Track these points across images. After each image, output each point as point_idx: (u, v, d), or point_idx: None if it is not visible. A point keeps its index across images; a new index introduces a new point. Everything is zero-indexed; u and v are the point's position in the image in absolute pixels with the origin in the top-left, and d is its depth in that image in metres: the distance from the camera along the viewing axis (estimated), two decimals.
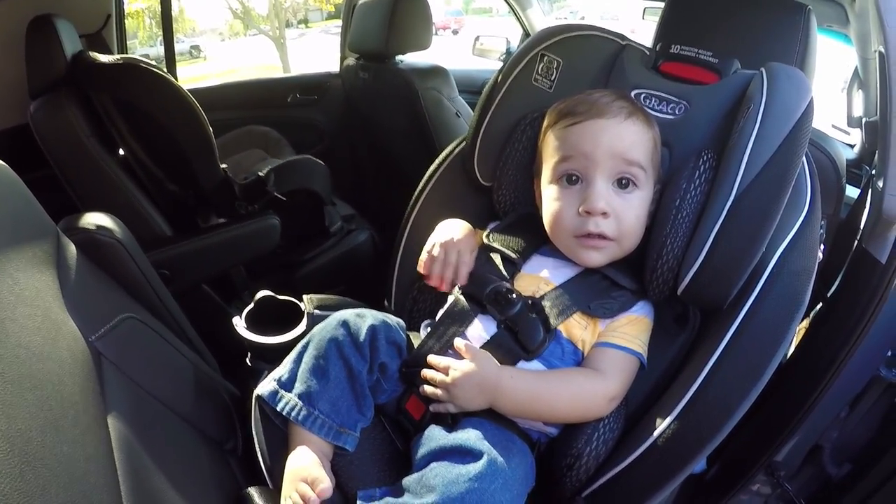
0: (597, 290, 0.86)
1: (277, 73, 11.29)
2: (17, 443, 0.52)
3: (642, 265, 0.87)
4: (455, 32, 18.07)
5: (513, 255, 0.91)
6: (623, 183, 0.84)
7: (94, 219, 0.90)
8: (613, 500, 0.81)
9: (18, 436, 0.53)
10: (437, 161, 1.14)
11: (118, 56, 1.52)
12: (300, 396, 0.79)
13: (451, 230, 0.97)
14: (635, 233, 0.86)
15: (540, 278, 0.89)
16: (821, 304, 1.17)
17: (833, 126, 1.79)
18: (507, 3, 2.59)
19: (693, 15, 1.17)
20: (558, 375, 0.82)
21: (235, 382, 1.06)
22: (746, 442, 1.13)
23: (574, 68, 1.00)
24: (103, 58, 1.44)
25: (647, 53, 1.01)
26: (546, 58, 1.00)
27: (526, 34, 2.68)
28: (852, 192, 1.31)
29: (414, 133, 1.80)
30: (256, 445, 0.83)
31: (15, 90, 1.50)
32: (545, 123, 0.92)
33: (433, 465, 0.72)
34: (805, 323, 1.20)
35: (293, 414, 0.78)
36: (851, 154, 1.56)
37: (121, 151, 1.52)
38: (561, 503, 0.83)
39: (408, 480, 0.73)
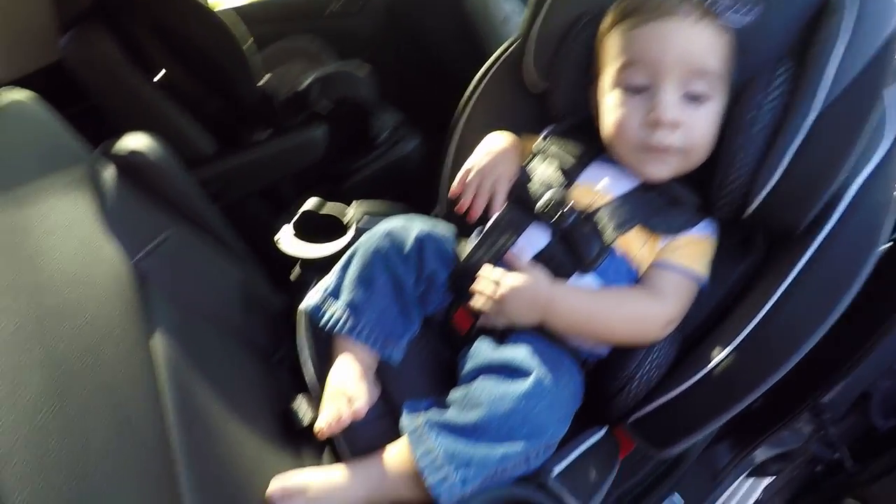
0: (657, 205, 0.80)
1: None
2: (57, 372, 0.54)
3: (708, 181, 0.80)
4: None
5: (568, 164, 0.85)
6: (694, 94, 0.76)
7: (132, 141, 0.89)
8: (660, 429, 0.79)
9: (57, 365, 0.54)
10: (486, 65, 1.06)
11: None
12: (346, 307, 0.80)
13: (492, 152, 0.90)
14: (705, 146, 0.78)
15: (596, 189, 0.82)
16: (891, 243, 1.08)
17: None
18: None
19: None
20: (613, 294, 0.78)
21: (285, 294, 1.08)
22: (796, 376, 1.09)
23: None
24: None
25: None
26: None
27: None
28: None
29: (461, 35, 1.71)
30: (303, 356, 0.85)
31: (44, 28, 1.48)
32: (606, 22, 0.83)
33: (480, 379, 0.73)
34: None
35: (339, 324, 0.79)
36: None
37: (159, 74, 1.50)
38: (607, 424, 0.83)
39: (454, 394, 0.74)
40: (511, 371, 0.72)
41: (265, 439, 0.78)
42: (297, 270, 0.98)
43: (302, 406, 0.85)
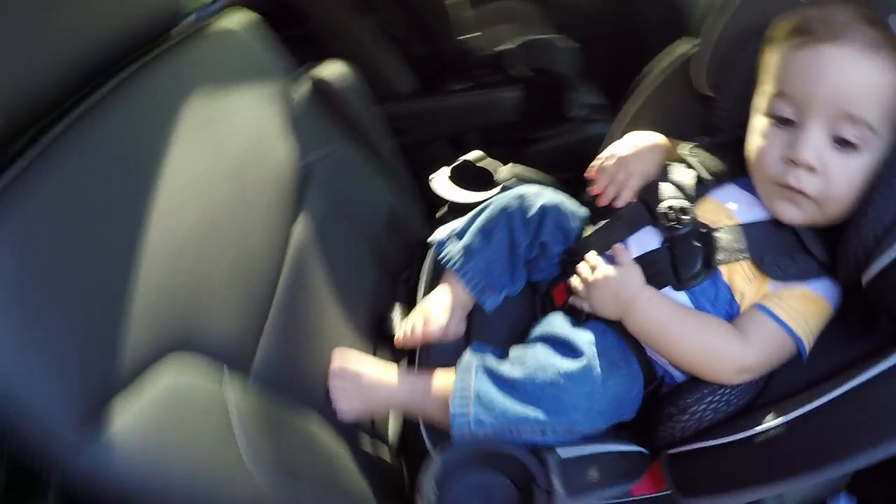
0: (779, 246, 0.75)
1: None
2: (208, 216, 0.73)
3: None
4: None
5: (706, 176, 0.83)
6: (843, 139, 0.69)
7: (330, 67, 1.08)
8: (688, 472, 0.77)
9: (210, 211, 0.73)
10: (668, 58, 1.05)
11: None
12: (462, 249, 0.90)
13: (635, 146, 0.91)
14: (844, 201, 0.70)
15: (725, 210, 0.80)
16: None
17: None
18: None
19: None
20: (697, 319, 0.75)
21: (430, 227, 1.21)
22: None
23: None
24: None
25: None
26: None
27: None
28: None
29: (680, 30, 1.66)
30: (421, 281, 0.99)
31: None
32: (774, 33, 0.77)
33: (538, 345, 0.78)
34: None
35: (451, 262, 0.90)
36: None
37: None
38: (648, 448, 0.82)
39: (514, 351, 0.80)
40: (567, 349, 0.76)
41: (354, 332, 0.94)
42: (443, 210, 1.11)
43: (397, 317, 0.99)
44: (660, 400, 0.80)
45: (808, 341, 0.72)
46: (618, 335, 0.79)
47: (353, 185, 1.08)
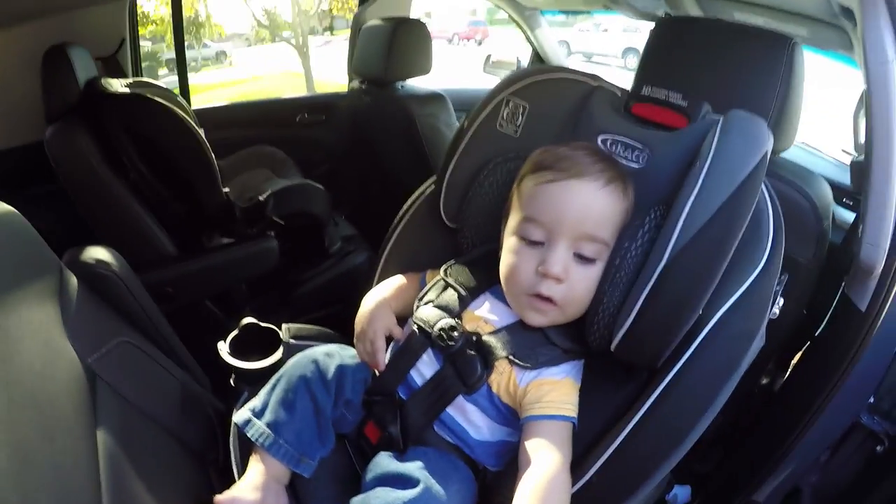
0: (528, 342, 0.86)
1: (300, 80, 11.52)
2: (18, 451, 0.62)
3: (582, 318, 0.86)
4: (479, 43, 18.17)
5: (464, 292, 0.93)
6: (582, 255, 0.83)
7: (93, 253, 0.99)
8: None
9: (18, 445, 0.63)
10: (411, 198, 1.16)
11: (129, 81, 1.60)
12: (268, 425, 0.87)
13: (363, 314, 0.98)
14: (582, 302, 0.84)
15: (481, 318, 0.90)
16: (809, 343, 1.17)
17: (843, 151, 1.68)
18: (516, 22, 2.63)
19: (670, 52, 1.13)
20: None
21: (224, 397, 1.12)
22: (731, 474, 1.13)
23: (541, 112, 0.98)
24: (114, 86, 1.52)
25: (619, 95, 0.99)
26: (511, 103, 0.99)
27: (535, 54, 2.70)
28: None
29: (412, 158, 1.84)
30: (233, 462, 0.92)
31: (35, 109, 1.56)
32: (524, 169, 0.90)
33: (377, 489, 0.80)
34: (796, 358, 1.20)
35: (260, 440, 0.87)
36: None
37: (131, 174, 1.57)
38: None
39: (354, 501, 0.80)
40: (403, 481, 0.79)
41: None
42: (233, 379, 1.05)
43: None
44: (489, 490, 0.86)
45: (575, 415, 0.82)
46: (437, 449, 0.85)
47: (139, 374, 0.98)
